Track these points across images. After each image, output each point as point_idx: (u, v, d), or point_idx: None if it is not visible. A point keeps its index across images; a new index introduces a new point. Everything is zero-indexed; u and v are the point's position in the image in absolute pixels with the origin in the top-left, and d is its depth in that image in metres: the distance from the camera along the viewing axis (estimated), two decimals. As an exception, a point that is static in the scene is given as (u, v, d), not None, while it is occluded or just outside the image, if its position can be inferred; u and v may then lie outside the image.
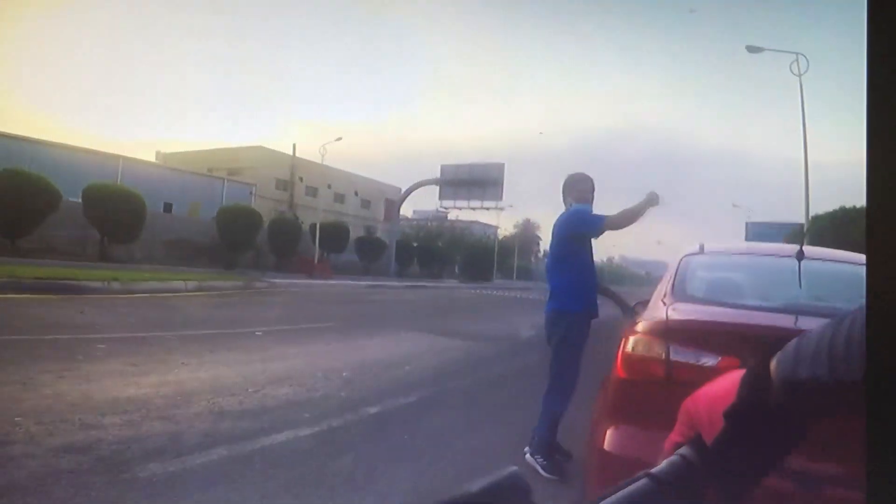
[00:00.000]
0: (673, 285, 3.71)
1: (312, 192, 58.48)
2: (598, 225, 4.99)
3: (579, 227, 5.10)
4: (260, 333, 10.74)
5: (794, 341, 0.74)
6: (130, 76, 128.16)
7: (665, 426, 2.53)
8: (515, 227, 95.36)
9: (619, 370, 3.16)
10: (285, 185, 57.73)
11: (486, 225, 79.90)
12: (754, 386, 0.75)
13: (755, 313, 3.19)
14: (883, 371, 0.58)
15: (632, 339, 3.15)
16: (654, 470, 0.75)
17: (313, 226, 43.17)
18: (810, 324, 2.51)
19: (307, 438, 5.17)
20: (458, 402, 7.19)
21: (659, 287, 3.96)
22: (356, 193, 67.99)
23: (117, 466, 4.09)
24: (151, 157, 56.79)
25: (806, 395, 0.72)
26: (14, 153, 31.83)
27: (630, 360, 3.12)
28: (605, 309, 5.20)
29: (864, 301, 0.61)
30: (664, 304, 3.44)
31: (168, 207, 44.54)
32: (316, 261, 40.33)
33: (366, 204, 69.67)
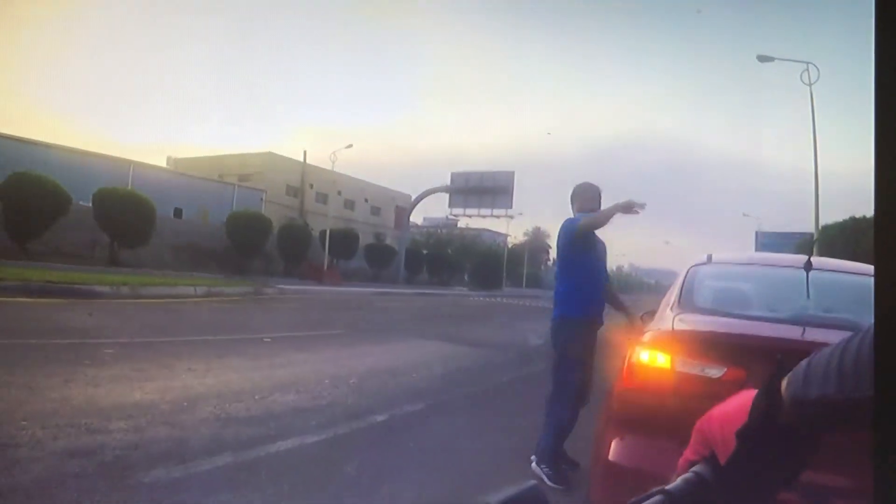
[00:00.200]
0: (680, 295, 3.69)
1: (322, 198, 58.65)
2: (574, 229, 5.12)
3: (566, 234, 5.20)
4: (268, 340, 10.72)
5: (804, 361, 0.74)
6: (142, 81, 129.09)
7: (670, 437, 2.51)
8: (525, 234, 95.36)
9: (625, 380, 3.15)
10: (295, 191, 57.83)
11: (495, 233, 79.83)
12: (766, 406, 0.76)
13: (762, 324, 3.17)
14: (891, 385, 0.58)
15: (638, 349, 3.13)
16: (668, 487, 0.76)
17: (323, 232, 43.22)
18: (818, 335, 2.51)
19: (313, 445, 5.15)
20: (466, 409, 7.16)
21: (666, 297, 3.94)
22: (366, 200, 68.11)
23: (121, 471, 4.09)
24: (162, 163, 57.25)
25: (816, 414, 0.72)
26: (25, 156, 32.02)
27: (635, 370, 3.11)
28: (616, 317, 5.22)
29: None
30: (670, 314, 3.42)
31: (178, 213, 44.68)
32: (325, 267, 40.34)
33: (376, 211, 69.75)
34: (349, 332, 13.62)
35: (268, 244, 38.94)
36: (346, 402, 6.68)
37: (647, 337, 3.19)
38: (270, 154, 59.38)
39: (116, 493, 3.80)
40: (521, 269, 75.29)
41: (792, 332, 3.01)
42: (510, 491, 0.63)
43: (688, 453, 0.83)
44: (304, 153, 56.71)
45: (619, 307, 5.36)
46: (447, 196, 57.44)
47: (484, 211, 56.96)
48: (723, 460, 0.77)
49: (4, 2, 52.39)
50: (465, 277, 65.70)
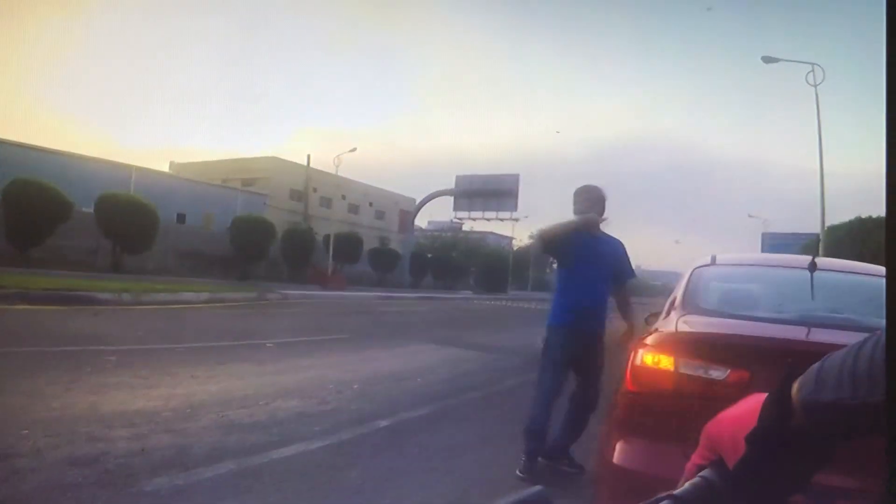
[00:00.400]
0: (684, 297, 3.67)
1: (326, 202, 58.63)
2: (536, 241, 5.24)
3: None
4: (271, 345, 10.72)
5: (816, 364, 0.73)
6: (144, 85, 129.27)
7: (675, 439, 2.49)
8: (530, 237, 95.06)
9: (629, 383, 3.14)
10: (299, 195, 57.75)
11: (500, 236, 79.79)
12: (776, 410, 0.75)
13: (767, 326, 3.15)
14: None
15: (641, 351, 3.11)
16: (676, 492, 0.75)
17: (327, 237, 43.11)
18: (823, 336, 2.49)
19: (317, 452, 5.13)
20: (471, 415, 7.14)
21: (670, 298, 3.92)
22: (370, 204, 68.09)
23: (123, 480, 4.06)
24: (165, 167, 57.20)
25: (829, 419, 0.71)
26: (26, 162, 31.82)
27: (639, 372, 3.09)
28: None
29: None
30: (674, 315, 3.40)
31: (181, 218, 44.58)
32: (329, 272, 40.29)
33: (380, 215, 69.72)
34: (353, 337, 13.59)
35: (271, 249, 38.86)
36: (350, 408, 6.66)
37: (650, 339, 3.17)
38: (274, 158, 59.35)
39: (119, 501, 3.78)
40: (526, 273, 75.17)
41: (797, 334, 2.99)
42: (516, 496, 0.63)
43: (696, 457, 0.82)
44: (308, 157, 56.53)
45: (624, 313, 5.34)
46: (452, 199, 57.50)
47: (489, 214, 57.05)
48: (731, 465, 0.76)
49: (5, 5, 52.52)
50: (471, 281, 65.65)
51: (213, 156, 72.12)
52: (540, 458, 5.04)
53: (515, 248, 73.82)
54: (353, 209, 64.64)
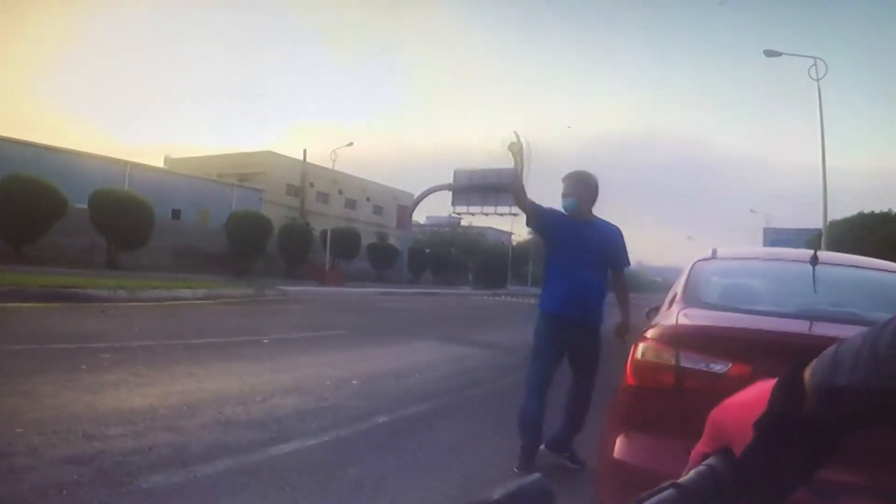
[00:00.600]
0: (684, 290, 3.64)
1: (323, 197, 58.57)
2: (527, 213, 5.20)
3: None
4: (268, 342, 10.70)
5: (830, 349, 0.71)
6: (138, 80, 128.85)
7: (676, 434, 2.47)
8: (530, 232, 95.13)
9: (629, 377, 3.12)
10: (296, 190, 57.71)
11: (499, 231, 79.69)
12: (787, 395, 0.72)
13: (768, 319, 3.12)
14: None
15: (641, 345, 3.10)
16: (680, 480, 0.72)
17: (324, 232, 43.14)
18: (825, 330, 2.47)
19: (315, 448, 5.11)
20: (471, 412, 7.12)
21: (671, 292, 3.90)
22: (368, 199, 68.01)
23: (120, 478, 4.04)
24: (160, 163, 56.94)
25: (843, 405, 0.69)
26: (19, 158, 31.75)
27: (639, 367, 3.07)
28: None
29: None
30: (675, 309, 3.38)
31: (177, 214, 44.55)
32: (327, 268, 40.30)
33: (378, 210, 69.65)
34: (351, 334, 13.56)
35: (268, 245, 38.85)
36: (348, 405, 6.63)
37: (651, 333, 3.14)
38: (270, 153, 59.18)
39: (116, 500, 3.75)
40: (525, 268, 75.12)
41: (798, 327, 2.96)
42: (515, 484, 0.61)
43: (701, 446, 0.79)
44: (305, 152, 56.58)
45: (620, 304, 5.30)
46: (450, 194, 57.41)
47: (487, 209, 56.97)
48: (738, 453, 0.74)
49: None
50: (469, 276, 65.65)
51: (209, 151, 72.06)
52: (546, 448, 5.06)
53: (515, 244, 73.86)
54: (351, 204, 64.57)
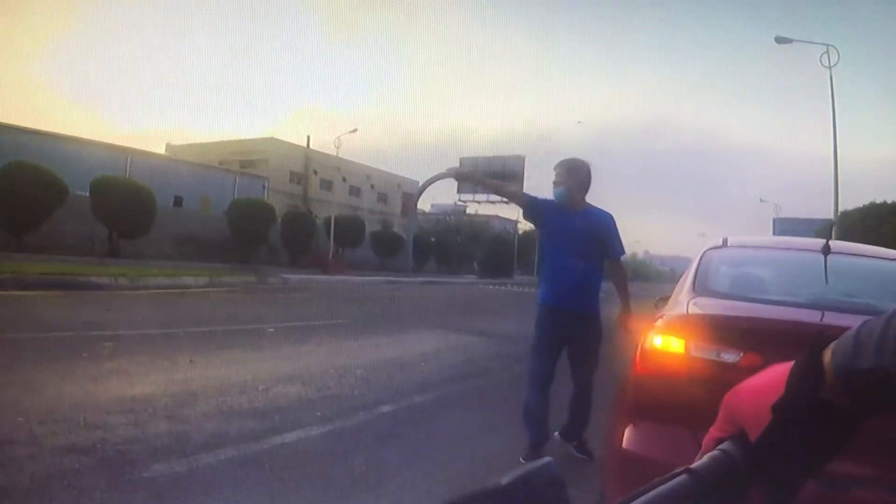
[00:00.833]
0: (695, 280, 3.60)
1: (327, 185, 58.32)
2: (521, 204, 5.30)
3: None
4: (272, 330, 10.70)
5: (852, 330, 0.69)
6: (139, 65, 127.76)
7: (686, 424, 2.42)
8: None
9: (638, 367, 3.09)
10: (299, 178, 57.53)
11: (505, 219, 79.36)
12: (805, 378, 0.70)
13: (779, 309, 3.10)
14: None
15: (651, 334, 3.06)
16: (694, 465, 0.71)
17: (328, 220, 42.95)
18: (837, 320, 2.42)
19: (318, 438, 5.10)
20: (476, 401, 7.10)
21: (680, 282, 3.86)
22: (372, 187, 67.74)
23: (121, 467, 4.03)
24: (161, 150, 56.55)
25: (865, 388, 0.66)
26: (19, 145, 31.43)
27: (649, 356, 3.03)
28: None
29: None
30: (685, 298, 3.34)
31: (178, 201, 44.35)
32: (330, 256, 40.21)
33: (382, 198, 69.44)
34: (355, 323, 13.51)
35: (271, 233, 38.63)
36: (352, 394, 6.62)
37: (660, 322, 3.11)
38: (273, 139, 58.70)
39: (117, 489, 3.75)
40: (532, 257, 74.99)
41: (810, 317, 2.93)
42: (523, 469, 0.60)
43: (714, 430, 0.78)
44: (308, 138, 56.31)
45: (620, 293, 5.21)
46: (456, 182, 57.23)
47: (493, 197, 56.73)
48: (753, 437, 0.72)
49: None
50: (475, 265, 65.46)
51: (211, 137, 71.87)
52: (558, 435, 5.08)
53: (521, 232, 73.79)
54: (355, 192, 64.33)
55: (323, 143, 69.02)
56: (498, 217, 76.95)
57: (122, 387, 5.94)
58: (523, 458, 4.76)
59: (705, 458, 0.72)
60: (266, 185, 52.46)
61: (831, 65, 28.91)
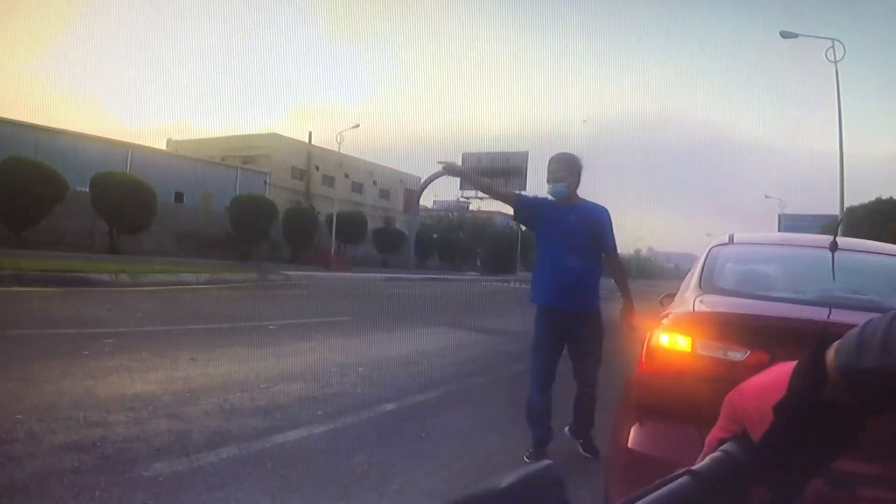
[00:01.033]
0: (701, 277, 3.58)
1: (329, 181, 58.31)
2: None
3: None
4: (273, 328, 10.69)
5: (855, 329, 0.68)
6: (140, 61, 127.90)
7: (692, 423, 2.39)
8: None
9: (644, 365, 3.07)
10: (301, 173, 57.53)
11: (508, 216, 79.07)
12: (808, 378, 0.70)
13: (787, 306, 3.07)
14: None
15: (657, 332, 3.03)
16: (695, 467, 0.70)
17: (330, 216, 42.97)
18: (844, 317, 2.40)
19: (321, 436, 5.07)
20: (478, 399, 7.08)
21: (686, 279, 3.84)
22: (374, 183, 67.78)
23: (122, 465, 4.01)
24: (162, 145, 56.65)
25: (868, 388, 0.67)
26: (19, 140, 31.54)
27: (655, 353, 3.02)
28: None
29: None
30: (691, 295, 3.32)
31: (179, 197, 44.41)
32: (332, 253, 40.20)
33: (384, 194, 69.47)
34: (358, 320, 13.49)
35: (273, 229, 38.68)
36: (354, 392, 6.60)
37: (667, 319, 3.08)
38: (275, 135, 58.70)
39: (117, 487, 3.71)
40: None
41: (818, 314, 2.90)
42: (524, 471, 0.59)
43: (717, 430, 0.77)
44: (310, 134, 56.39)
45: (620, 288, 5.14)
46: (458, 178, 57.06)
47: (493, 194, 56.69)
48: (756, 438, 0.72)
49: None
50: (477, 262, 65.47)
51: (212, 132, 71.85)
52: (568, 431, 5.09)
53: (524, 228, 73.78)
54: (357, 188, 64.35)
55: (325, 138, 68.86)
56: (501, 213, 76.93)
57: (122, 384, 5.92)
58: (527, 457, 4.75)
59: (707, 458, 0.72)
60: (268, 181, 52.47)
61: (837, 59, 28.71)
